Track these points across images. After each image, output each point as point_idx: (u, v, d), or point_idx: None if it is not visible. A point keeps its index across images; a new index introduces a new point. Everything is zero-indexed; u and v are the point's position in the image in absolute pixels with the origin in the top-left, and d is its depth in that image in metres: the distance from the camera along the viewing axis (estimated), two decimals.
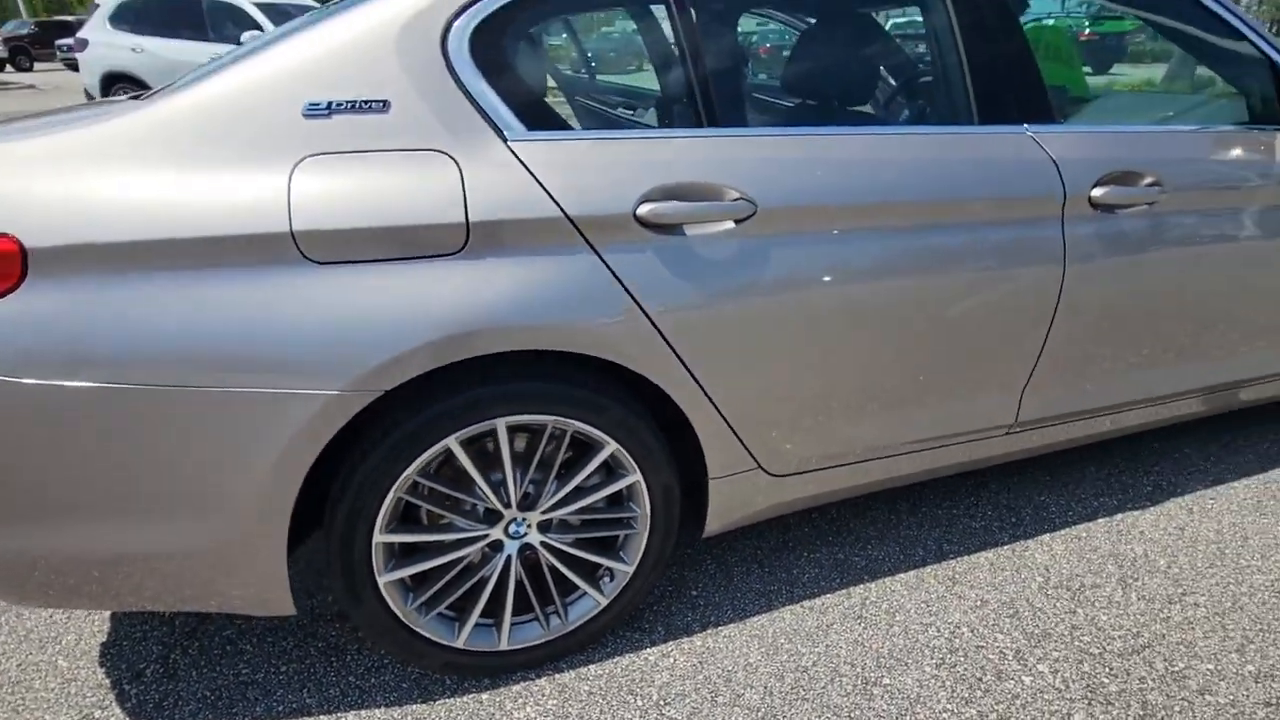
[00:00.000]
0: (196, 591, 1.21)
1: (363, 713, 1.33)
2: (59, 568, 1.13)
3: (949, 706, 1.33)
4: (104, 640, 1.50)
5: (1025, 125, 1.46)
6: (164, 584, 1.19)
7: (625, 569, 1.42)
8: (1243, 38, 1.70)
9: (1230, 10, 1.67)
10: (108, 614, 1.57)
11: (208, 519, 1.12)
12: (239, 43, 7.69)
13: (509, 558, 1.35)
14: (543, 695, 1.37)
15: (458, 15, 1.15)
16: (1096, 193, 1.46)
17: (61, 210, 1.00)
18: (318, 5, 9.54)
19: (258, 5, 8.07)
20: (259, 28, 7.87)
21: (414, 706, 1.34)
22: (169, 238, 1.02)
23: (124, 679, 1.41)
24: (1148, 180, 1.51)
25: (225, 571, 1.18)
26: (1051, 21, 2.35)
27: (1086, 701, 1.33)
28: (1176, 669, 1.40)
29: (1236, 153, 1.65)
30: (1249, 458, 2.08)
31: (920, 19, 1.50)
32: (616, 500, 1.39)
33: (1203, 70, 1.84)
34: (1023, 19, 1.60)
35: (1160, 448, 2.14)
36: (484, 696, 1.37)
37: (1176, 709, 1.31)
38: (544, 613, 1.41)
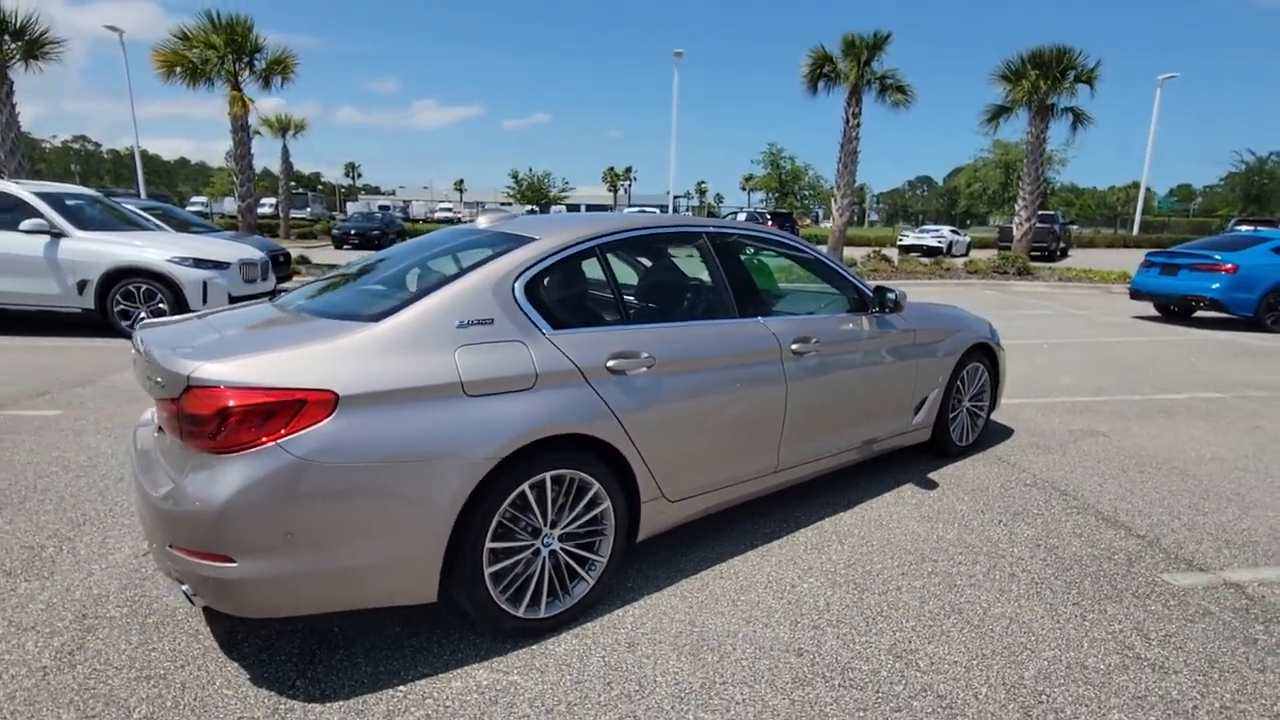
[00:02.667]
0: (387, 589, 2.10)
1: (473, 668, 2.23)
2: (323, 579, 1.98)
3: (775, 603, 2.62)
4: (265, 659, 2.19)
5: (758, 317, 3.06)
6: (370, 584, 2.07)
7: (601, 560, 2.54)
8: (842, 275, 3.60)
9: (836, 263, 3.57)
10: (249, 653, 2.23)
11: (418, 536, 2.07)
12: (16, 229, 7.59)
13: (543, 559, 2.40)
14: (567, 639, 2.39)
15: (517, 277, 2.42)
16: (794, 347, 3.09)
17: (353, 376, 2.01)
18: (95, 192, 9.54)
19: (38, 195, 8.07)
20: (40, 215, 7.85)
21: (499, 659, 2.28)
22: (404, 387, 2.07)
23: (296, 674, 2.14)
24: (814, 339, 3.19)
25: (408, 572, 2.10)
26: (758, 256, 4.26)
27: (831, 588, 2.72)
28: (867, 570, 2.87)
29: (848, 326, 3.46)
30: (888, 480, 3.84)
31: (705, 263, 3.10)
32: (594, 520, 2.53)
33: (825, 286, 3.69)
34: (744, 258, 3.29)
35: (849, 481, 3.81)
36: (534, 646, 2.35)
37: (869, 584, 2.76)
38: (560, 594, 2.45)
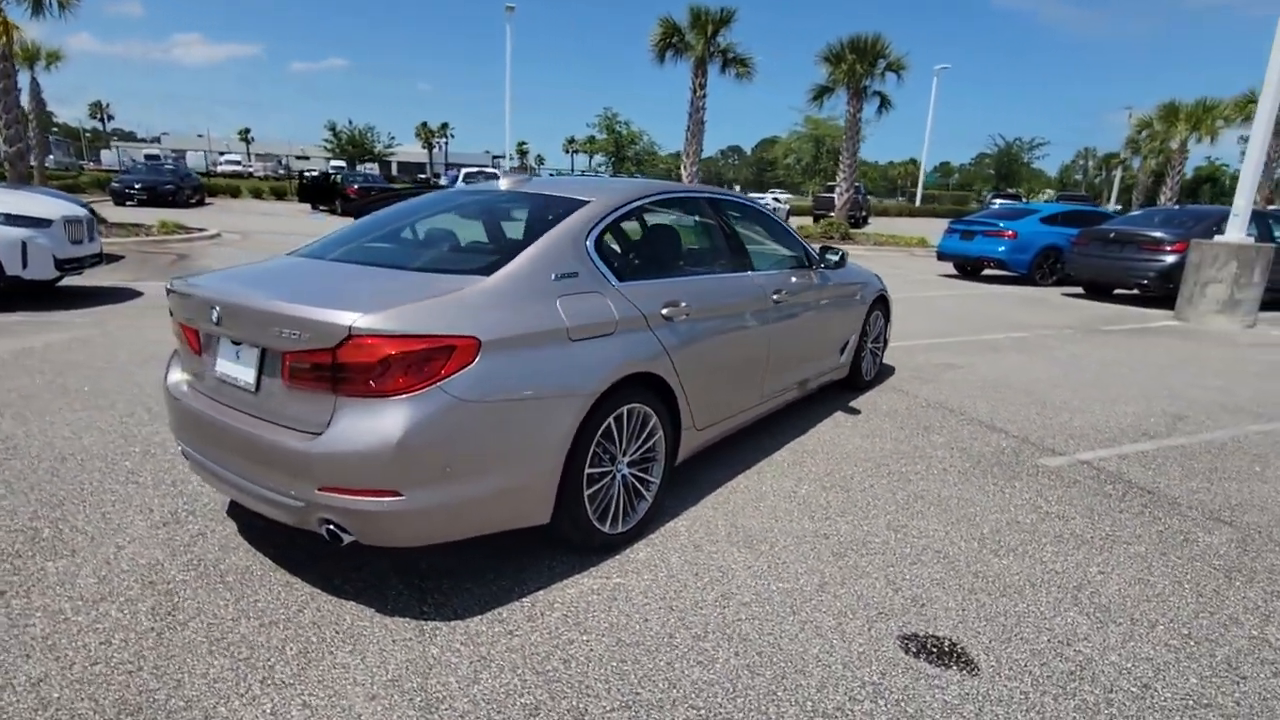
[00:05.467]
0: (509, 513, 2.36)
1: (577, 578, 2.56)
2: (470, 506, 2.20)
3: (789, 505, 3.20)
4: (384, 594, 2.35)
5: (749, 272, 3.58)
6: (502, 510, 2.32)
7: (655, 482, 2.94)
8: (793, 236, 4.21)
9: (790, 230, 4.17)
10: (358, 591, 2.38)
11: (542, 463, 2.34)
12: None
13: (618, 483, 2.76)
14: (641, 549, 2.79)
15: (588, 234, 2.70)
16: (774, 296, 3.65)
17: (488, 323, 2.22)
18: None
19: None
20: None
21: (594, 569, 2.62)
22: (527, 333, 2.31)
23: (417, 603, 2.34)
24: (785, 290, 3.78)
25: (532, 496, 2.37)
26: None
27: (824, 491, 3.36)
28: (843, 476, 3.55)
29: (804, 279, 4.09)
30: (822, 411, 4.60)
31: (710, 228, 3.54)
32: (650, 447, 2.91)
33: (780, 245, 4.30)
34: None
35: (794, 415, 4.50)
36: (617, 557, 2.72)
37: (850, 485, 3.44)
38: (629, 512, 2.83)
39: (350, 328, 2.02)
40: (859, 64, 18.32)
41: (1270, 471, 3.80)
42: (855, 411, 4.62)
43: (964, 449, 4.00)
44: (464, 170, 32.70)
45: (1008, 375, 5.72)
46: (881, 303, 5.20)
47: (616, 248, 3.00)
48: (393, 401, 2.05)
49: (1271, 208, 15.69)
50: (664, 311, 2.86)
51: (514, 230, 2.97)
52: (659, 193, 3.24)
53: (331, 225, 19.76)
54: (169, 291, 2.68)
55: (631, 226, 3.03)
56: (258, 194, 33.05)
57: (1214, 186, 63.26)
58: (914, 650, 2.20)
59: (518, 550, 2.71)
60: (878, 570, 2.67)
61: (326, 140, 53.19)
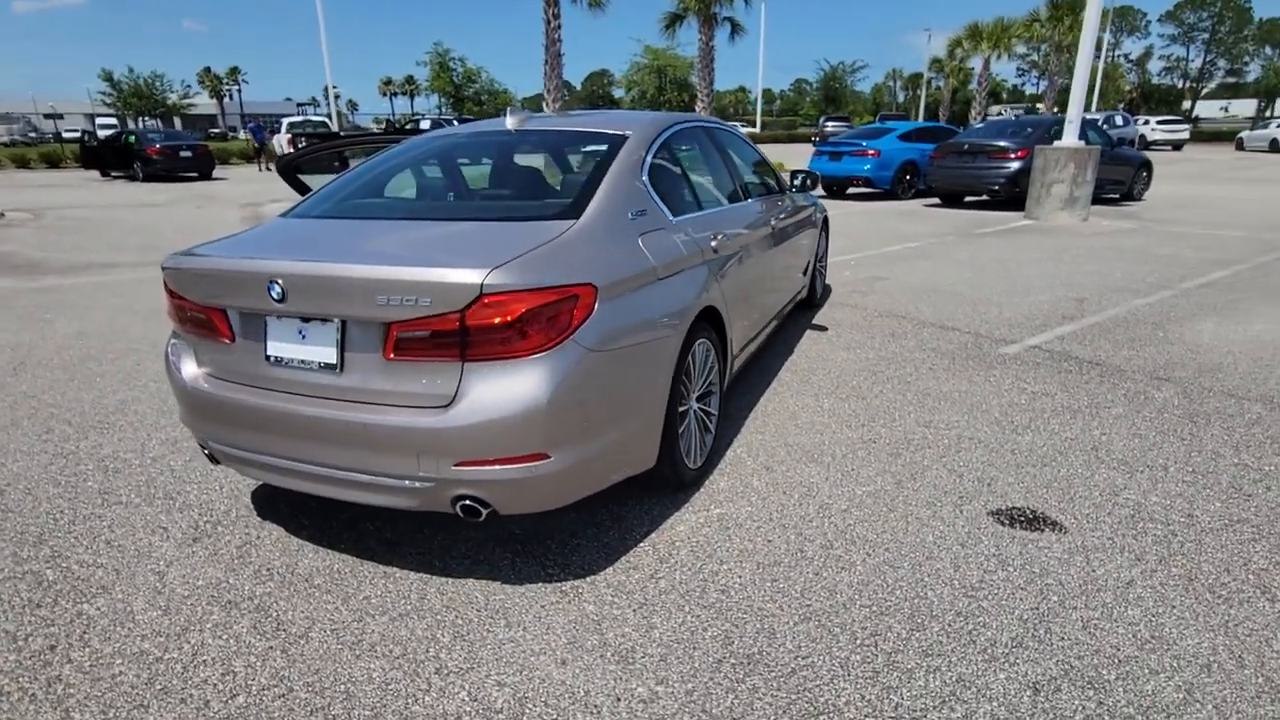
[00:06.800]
0: (627, 460, 2.32)
1: (680, 514, 2.58)
2: (603, 459, 2.14)
3: (825, 419, 3.38)
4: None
5: (750, 200, 3.62)
6: (623, 459, 2.28)
7: (715, 413, 2.99)
8: (767, 163, 4.28)
9: (764, 158, 4.23)
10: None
11: (654, 406, 2.31)
12: None
13: (690, 418, 2.78)
14: (719, 480, 2.85)
15: (641, 169, 2.61)
16: (772, 223, 3.73)
17: (597, 268, 2.11)
18: None
19: None
20: None
21: (689, 506, 2.65)
22: (628, 275, 2.22)
23: (537, 565, 2.28)
24: (775, 218, 3.87)
25: (646, 440, 2.35)
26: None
27: (844, 401, 3.58)
28: (852, 385, 3.79)
29: (782, 204, 4.19)
30: (795, 331, 4.82)
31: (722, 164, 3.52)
32: (710, 381, 2.94)
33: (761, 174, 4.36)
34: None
35: (777, 333, 4.68)
36: (701, 491, 2.77)
37: (863, 394, 3.69)
38: (701, 447, 2.87)
39: (482, 285, 1.84)
40: None
41: (1171, 335, 4.56)
42: (823, 328, 4.89)
43: (934, 348, 4.40)
44: (287, 121, 29.24)
45: (929, 281, 6.28)
46: (825, 224, 5.46)
47: (661, 182, 2.91)
48: (530, 361, 1.92)
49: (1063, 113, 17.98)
50: (713, 244, 2.85)
51: (556, 171, 2.80)
52: (676, 124, 3.16)
53: (141, 193, 17.03)
54: (166, 269, 2.28)
55: (665, 160, 2.95)
56: (22, 162, 27.62)
57: (995, 100, 70.93)
58: (1007, 522, 2.47)
59: (597, 505, 2.66)
60: (933, 461, 2.93)
61: (104, 93, 45.07)
